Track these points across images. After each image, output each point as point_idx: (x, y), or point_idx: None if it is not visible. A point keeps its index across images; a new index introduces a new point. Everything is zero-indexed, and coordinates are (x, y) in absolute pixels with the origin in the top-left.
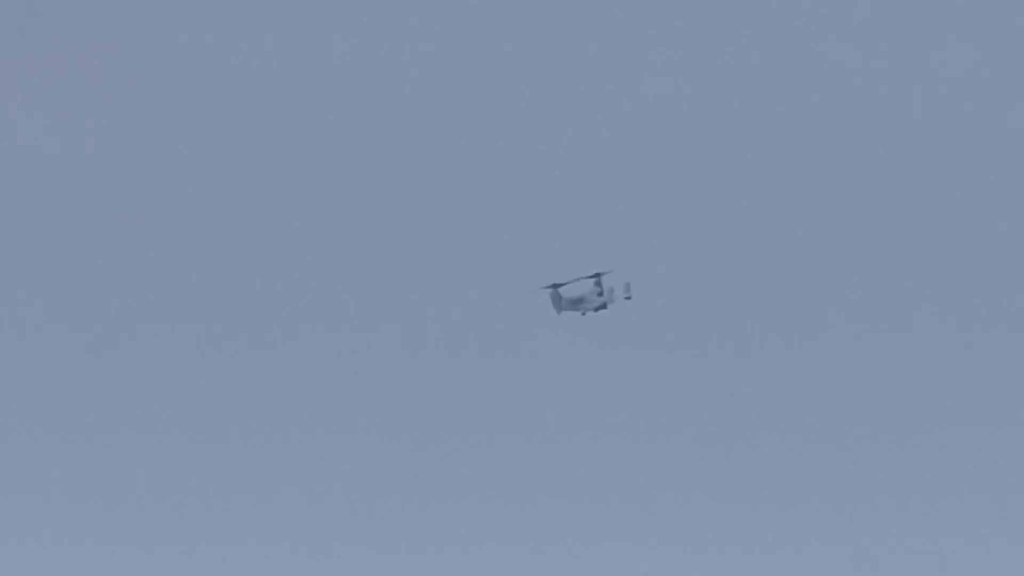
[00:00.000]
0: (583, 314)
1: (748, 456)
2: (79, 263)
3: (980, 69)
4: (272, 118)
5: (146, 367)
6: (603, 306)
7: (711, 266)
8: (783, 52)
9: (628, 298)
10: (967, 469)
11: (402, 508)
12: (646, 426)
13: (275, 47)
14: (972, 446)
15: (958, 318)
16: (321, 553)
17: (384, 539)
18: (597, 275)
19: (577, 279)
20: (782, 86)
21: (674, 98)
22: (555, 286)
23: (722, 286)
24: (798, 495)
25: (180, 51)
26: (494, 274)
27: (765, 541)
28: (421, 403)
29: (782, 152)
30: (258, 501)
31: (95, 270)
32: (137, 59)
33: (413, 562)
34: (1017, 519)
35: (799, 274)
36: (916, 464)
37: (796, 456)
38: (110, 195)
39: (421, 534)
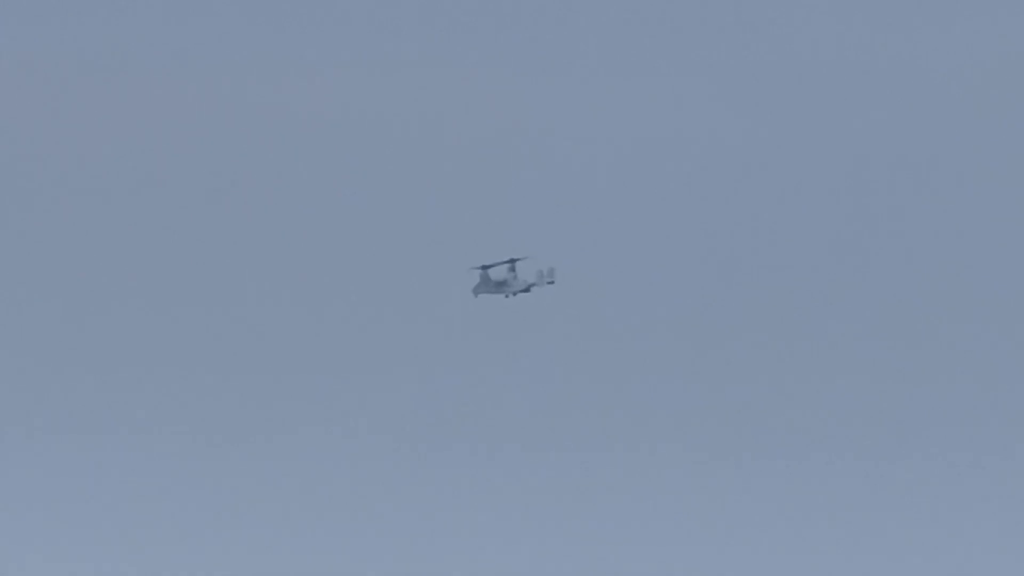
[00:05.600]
0: (506, 296)
1: (678, 435)
2: (78, 263)
3: (975, 69)
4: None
5: (124, 370)
6: (526, 289)
7: (643, 253)
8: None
9: (551, 282)
10: (921, 462)
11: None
12: (568, 407)
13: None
14: (927, 439)
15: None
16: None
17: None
18: (512, 260)
19: (501, 262)
20: (709, 68)
21: (604, 84)
22: (484, 267)
23: (650, 272)
24: (728, 479)
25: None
26: (424, 253)
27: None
28: (359, 383)
29: (711, 142)
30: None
31: (94, 270)
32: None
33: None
34: (1015, 517)
35: (726, 262)
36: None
37: (727, 439)
38: (107, 194)
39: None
